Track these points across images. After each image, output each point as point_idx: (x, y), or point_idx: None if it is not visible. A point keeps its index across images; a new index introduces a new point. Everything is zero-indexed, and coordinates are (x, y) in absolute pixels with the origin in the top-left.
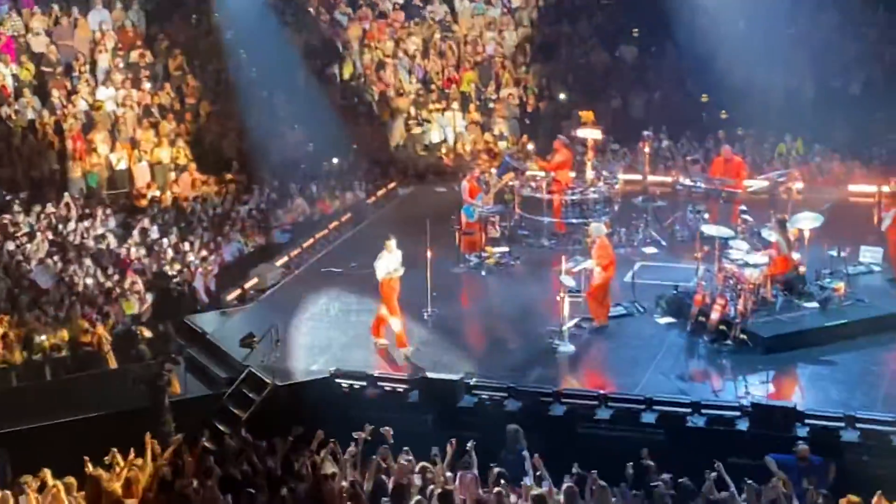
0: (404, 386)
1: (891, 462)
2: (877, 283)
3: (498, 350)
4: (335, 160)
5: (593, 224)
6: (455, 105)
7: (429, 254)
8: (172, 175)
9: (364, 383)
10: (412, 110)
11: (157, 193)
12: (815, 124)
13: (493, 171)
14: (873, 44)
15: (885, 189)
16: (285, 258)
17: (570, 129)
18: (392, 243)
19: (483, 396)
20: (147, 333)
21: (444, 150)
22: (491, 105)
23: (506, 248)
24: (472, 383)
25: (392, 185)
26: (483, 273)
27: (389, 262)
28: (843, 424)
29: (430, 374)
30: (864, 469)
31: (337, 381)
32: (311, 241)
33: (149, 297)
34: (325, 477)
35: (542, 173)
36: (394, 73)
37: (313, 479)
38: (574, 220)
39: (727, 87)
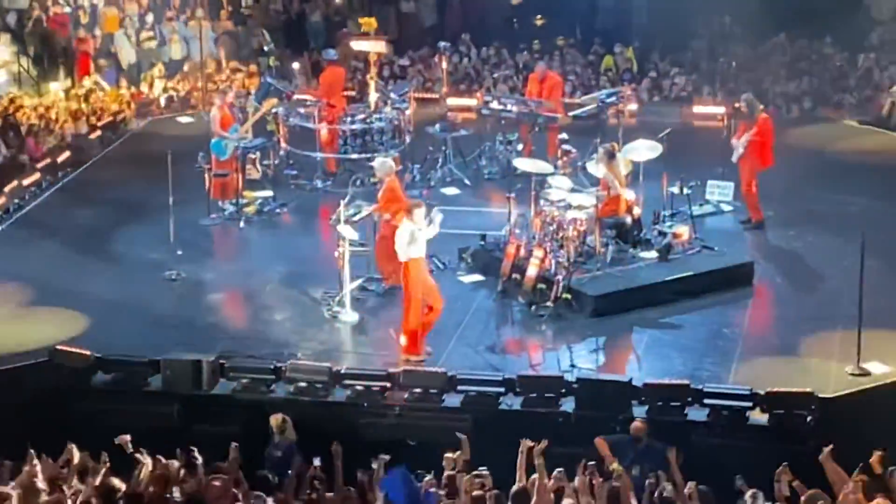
0: (143, 370)
1: (744, 443)
2: (727, 226)
3: (262, 321)
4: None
5: (378, 160)
6: (200, 12)
7: (171, 201)
8: None
9: (91, 367)
10: (144, 17)
11: None
12: (651, 31)
13: (251, 94)
14: None
15: (739, 108)
16: None
17: (347, 40)
18: (420, 211)
19: (244, 380)
20: None
21: (187, 69)
22: (246, 11)
23: (269, 193)
24: (228, 365)
25: (121, 115)
26: (241, 224)
27: (414, 236)
28: (689, 400)
29: (171, 356)
30: (714, 453)
31: (57, 363)
32: (12, 187)
33: None
34: None
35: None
36: None
37: None
38: (355, 156)
39: None
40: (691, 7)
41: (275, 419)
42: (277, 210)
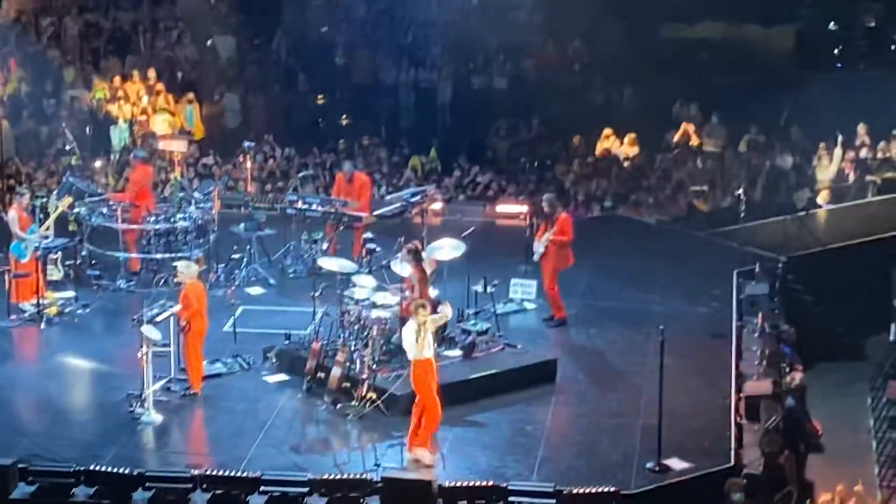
0: None
1: None
2: (531, 324)
3: (63, 424)
4: None
5: (183, 263)
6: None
7: None
8: None
9: None
10: None
11: None
12: (455, 131)
13: (52, 193)
14: (521, 33)
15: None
16: None
17: (152, 139)
18: (424, 310)
19: (44, 484)
20: None
21: None
22: (49, 110)
23: (71, 293)
24: (29, 468)
25: None
26: (42, 326)
27: (421, 334)
28: (494, 498)
29: None
30: None
31: None
32: None
33: None
34: None
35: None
36: None
37: None
38: (159, 256)
39: (349, 86)
40: (496, 108)
41: None
42: (79, 311)
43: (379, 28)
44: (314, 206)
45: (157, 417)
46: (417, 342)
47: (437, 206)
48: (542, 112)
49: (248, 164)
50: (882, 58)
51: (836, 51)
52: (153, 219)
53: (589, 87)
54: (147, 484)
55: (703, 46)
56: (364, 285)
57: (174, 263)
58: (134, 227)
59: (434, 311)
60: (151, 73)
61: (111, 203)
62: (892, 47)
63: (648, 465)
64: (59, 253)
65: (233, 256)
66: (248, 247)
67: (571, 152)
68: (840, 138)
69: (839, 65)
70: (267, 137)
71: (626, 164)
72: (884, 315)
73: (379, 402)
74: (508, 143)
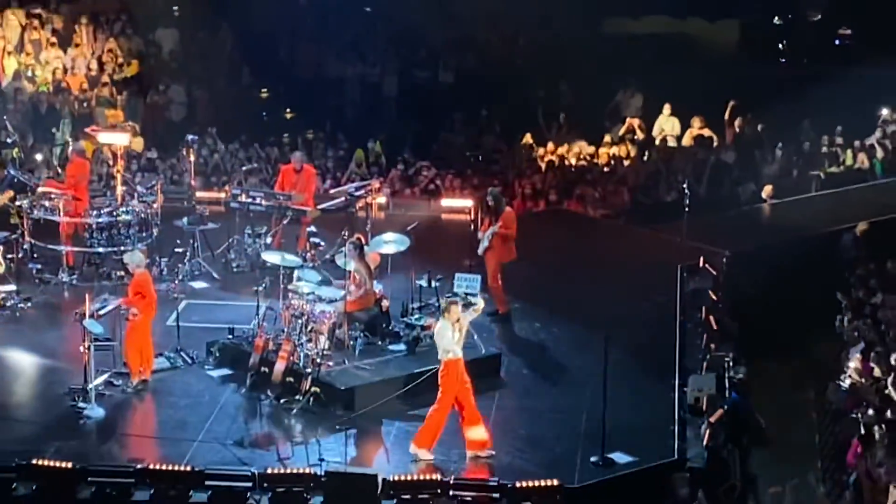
0: None
1: None
2: (475, 318)
3: (4, 418)
4: None
5: (129, 253)
6: None
7: None
8: None
9: None
10: None
11: None
12: (400, 124)
13: None
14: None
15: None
16: None
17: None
18: (456, 307)
19: None
20: None
21: None
22: None
23: (12, 287)
24: None
25: None
26: None
27: (450, 334)
28: (438, 492)
29: None
30: None
31: None
32: None
33: None
34: None
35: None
36: None
37: None
38: (101, 249)
39: (293, 79)
40: (441, 102)
41: None
42: (21, 305)
43: (323, 22)
44: (258, 200)
45: (100, 412)
46: (456, 341)
47: (381, 199)
48: (488, 106)
49: (191, 158)
50: (826, 52)
51: (780, 45)
52: (95, 212)
53: (532, 81)
54: (89, 478)
55: (648, 40)
56: (308, 279)
57: (117, 257)
58: (76, 220)
59: (379, 305)
60: (94, 66)
61: (51, 195)
62: (836, 41)
63: (592, 458)
64: (1, 246)
65: (176, 250)
66: (191, 241)
67: (516, 147)
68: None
69: (783, 59)
70: (210, 131)
71: (572, 159)
72: (828, 309)
73: (323, 396)
74: (454, 137)
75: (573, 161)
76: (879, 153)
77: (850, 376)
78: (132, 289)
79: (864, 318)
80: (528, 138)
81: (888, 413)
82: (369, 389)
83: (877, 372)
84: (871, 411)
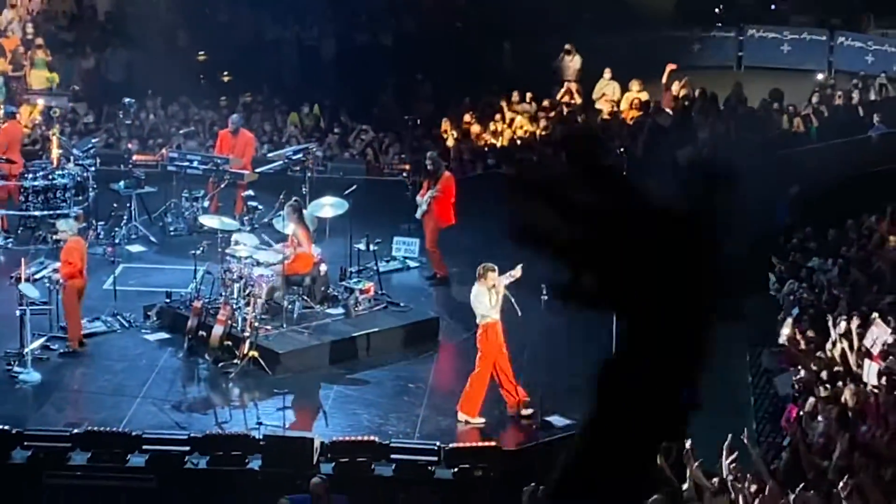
0: None
1: (430, 497)
2: (413, 282)
3: None
4: None
5: (62, 220)
6: None
7: None
8: None
9: None
10: None
11: None
12: (338, 88)
13: None
14: None
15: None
16: None
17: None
18: (493, 273)
19: None
20: None
21: None
22: None
23: None
24: None
25: None
26: None
27: (487, 299)
28: (375, 456)
29: None
30: None
31: None
32: None
33: None
34: None
35: None
36: None
37: None
38: (37, 213)
39: (230, 43)
40: (380, 66)
41: None
42: None
43: None
44: (195, 164)
45: (36, 376)
46: (493, 306)
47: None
48: (427, 69)
49: (128, 121)
50: (762, 16)
51: (716, 9)
52: (31, 175)
53: (472, 44)
54: (26, 443)
55: (585, 4)
56: (246, 243)
57: (52, 221)
58: (9, 184)
59: (317, 268)
60: (29, 28)
61: None
62: (773, 7)
63: (529, 421)
64: None
65: (112, 214)
66: (128, 204)
67: (455, 110)
68: None
69: (719, 24)
70: (148, 94)
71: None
72: (762, 272)
73: (261, 359)
74: (392, 100)
75: (517, 131)
76: (814, 120)
77: (784, 341)
78: (64, 254)
79: (799, 281)
80: (469, 101)
81: (823, 376)
82: (307, 353)
83: (811, 334)
84: (803, 373)
